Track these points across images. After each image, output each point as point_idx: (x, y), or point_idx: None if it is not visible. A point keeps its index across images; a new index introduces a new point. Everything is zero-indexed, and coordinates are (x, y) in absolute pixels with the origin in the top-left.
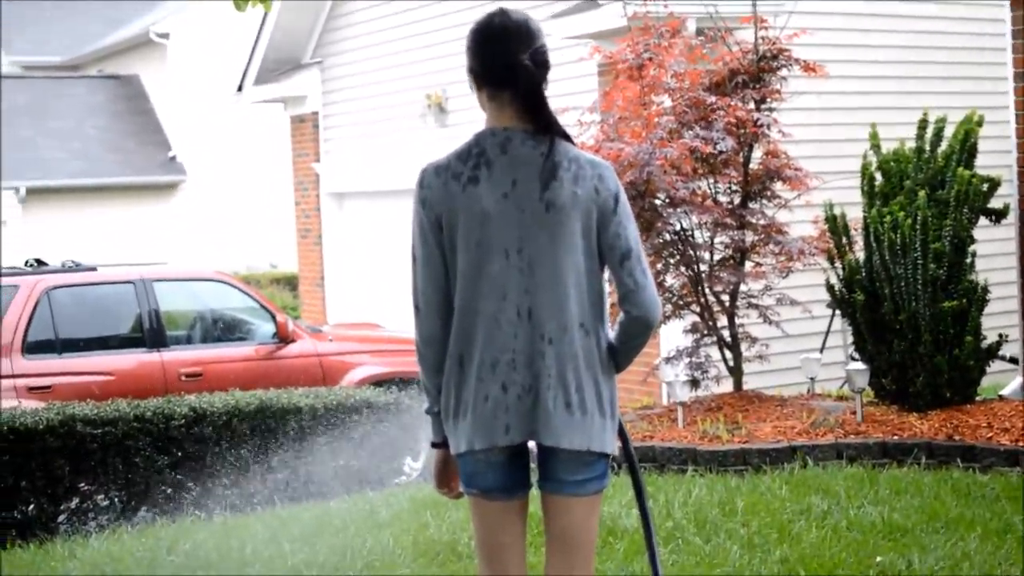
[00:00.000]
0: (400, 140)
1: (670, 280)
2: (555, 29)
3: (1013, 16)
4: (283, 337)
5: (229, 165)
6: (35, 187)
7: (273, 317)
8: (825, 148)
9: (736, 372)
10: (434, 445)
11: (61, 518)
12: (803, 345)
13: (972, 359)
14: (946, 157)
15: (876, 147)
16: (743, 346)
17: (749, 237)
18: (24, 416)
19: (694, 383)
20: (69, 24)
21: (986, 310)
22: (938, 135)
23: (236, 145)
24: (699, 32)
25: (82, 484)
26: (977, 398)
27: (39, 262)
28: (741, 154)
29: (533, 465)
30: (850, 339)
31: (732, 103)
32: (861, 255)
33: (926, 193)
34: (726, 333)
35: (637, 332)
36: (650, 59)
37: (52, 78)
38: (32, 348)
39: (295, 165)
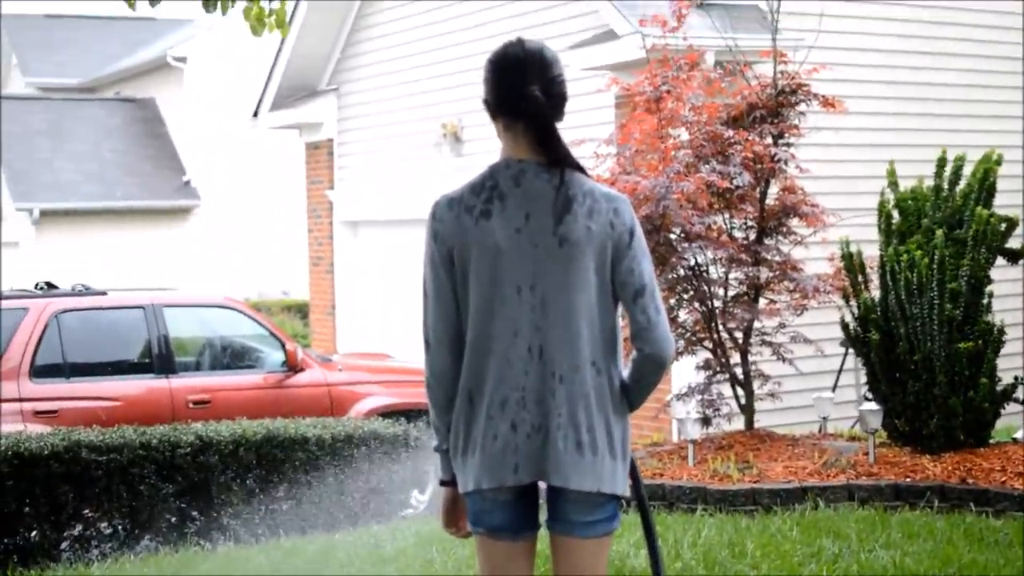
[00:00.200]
0: (415, 169)
1: (683, 316)
2: (573, 60)
3: None
4: (292, 366)
5: (243, 191)
6: (49, 209)
7: (283, 345)
8: (842, 184)
9: (748, 410)
10: (442, 483)
11: (64, 545)
12: (815, 383)
13: (987, 401)
14: (964, 196)
15: (894, 184)
16: (755, 384)
17: (764, 274)
18: (29, 441)
19: (705, 421)
20: (87, 46)
21: (1001, 352)
22: (957, 174)
23: (250, 171)
24: (718, 65)
25: (86, 511)
26: (991, 441)
27: (49, 285)
28: (758, 189)
29: (543, 501)
30: (863, 378)
31: (750, 137)
32: (876, 294)
33: (944, 232)
34: (738, 370)
35: (650, 370)
36: (668, 91)
37: (69, 100)
38: (40, 372)
39: (309, 192)
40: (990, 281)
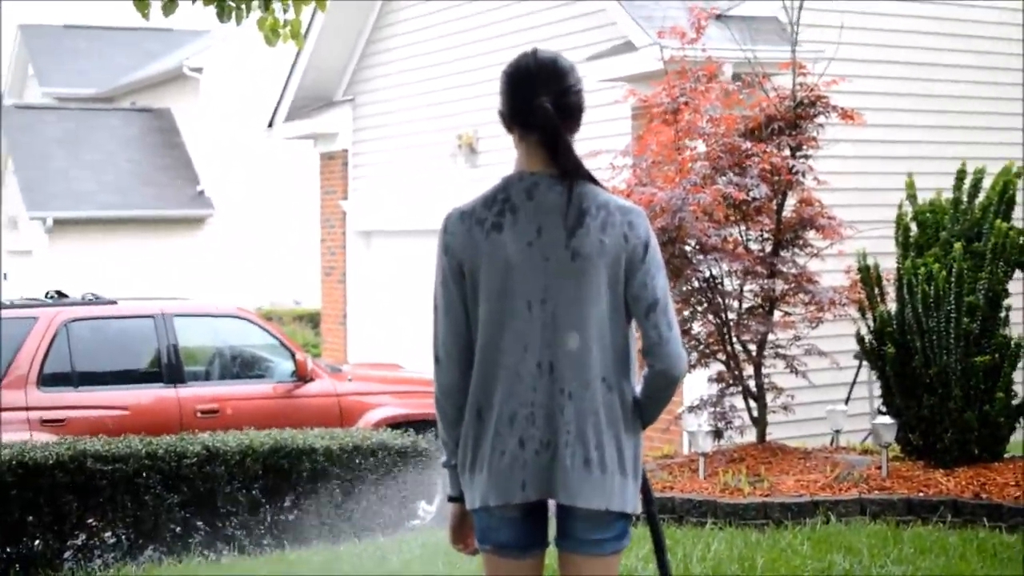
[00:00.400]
0: (429, 180)
1: (697, 328)
2: (591, 71)
3: None
4: (302, 376)
5: (257, 201)
6: (63, 218)
7: (293, 355)
8: (860, 197)
9: (760, 423)
10: (450, 499)
11: (67, 554)
12: (828, 395)
13: (1002, 416)
14: (983, 209)
15: (912, 197)
16: (768, 396)
17: (779, 286)
18: (34, 451)
19: (717, 434)
20: (104, 56)
21: (1018, 366)
22: (976, 186)
23: (265, 181)
24: (736, 77)
25: (90, 520)
26: (1006, 456)
27: (60, 294)
28: (775, 201)
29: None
30: (876, 391)
31: (767, 149)
32: (892, 306)
33: (962, 245)
34: (751, 383)
35: (661, 386)
36: (686, 103)
37: (85, 109)
38: (48, 381)
39: (323, 202)
40: (1008, 295)
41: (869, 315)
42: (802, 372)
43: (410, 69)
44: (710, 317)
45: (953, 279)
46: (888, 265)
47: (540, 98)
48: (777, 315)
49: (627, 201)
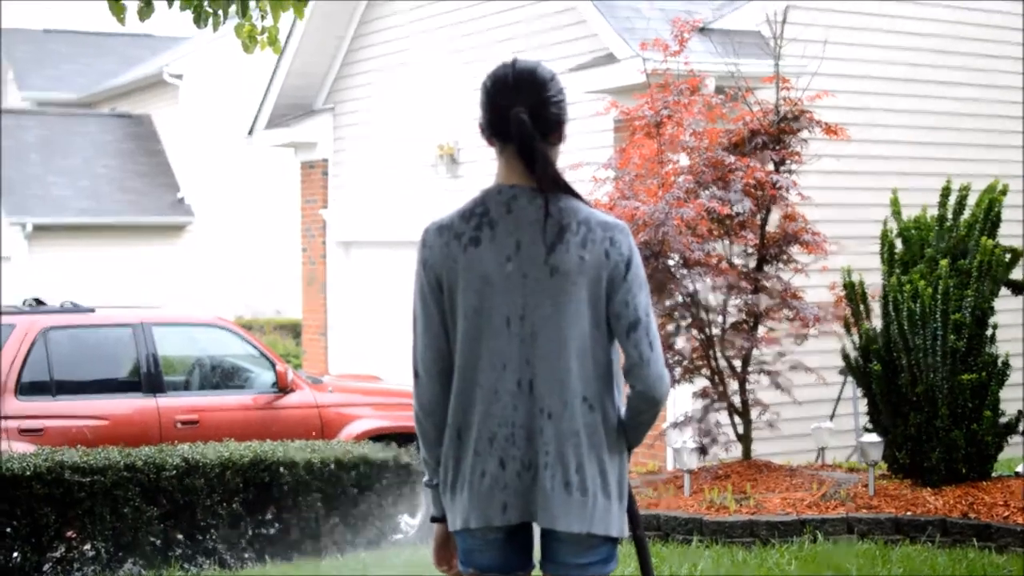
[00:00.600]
0: (410, 190)
1: (681, 343)
2: (572, 83)
3: None
4: (282, 387)
5: (238, 208)
6: (42, 224)
7: (273, 366)
8: (844, 212)
9: (745, 440)
10: (433, 520)
11: (46, 567)
12: (813, 411)
13: (990, 434)
14: (969, 226)
15: (897, 213)
16: (753, 412)
17: (764, 301)
18: (11, 461)
19: (702, 450)
20: (84, 62)
21: (1005, 383)
22: (961, 203)
23: (245, 189)
24: (719, 91)
25: (68, 532)
26: (993, 475)
27: (38, 302)
28: (758, 216)
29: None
30: (861, 407)
31: (751, 164)
32: (878, 323)
33: (948, 262)
34: (736, 399)
35: (643, 409)
36: (668, 116)
37: (65, 115)
38: (25, 389)
39: (303, 211)
40: (993, 312)
41: (854, 332)
42: (787, 388)
43: (391, 78)
44: (694, 332)
45: (939, 296)
46: (872, 280)
47: (516, 109)
48: (762, 331)
49: (610, 216)
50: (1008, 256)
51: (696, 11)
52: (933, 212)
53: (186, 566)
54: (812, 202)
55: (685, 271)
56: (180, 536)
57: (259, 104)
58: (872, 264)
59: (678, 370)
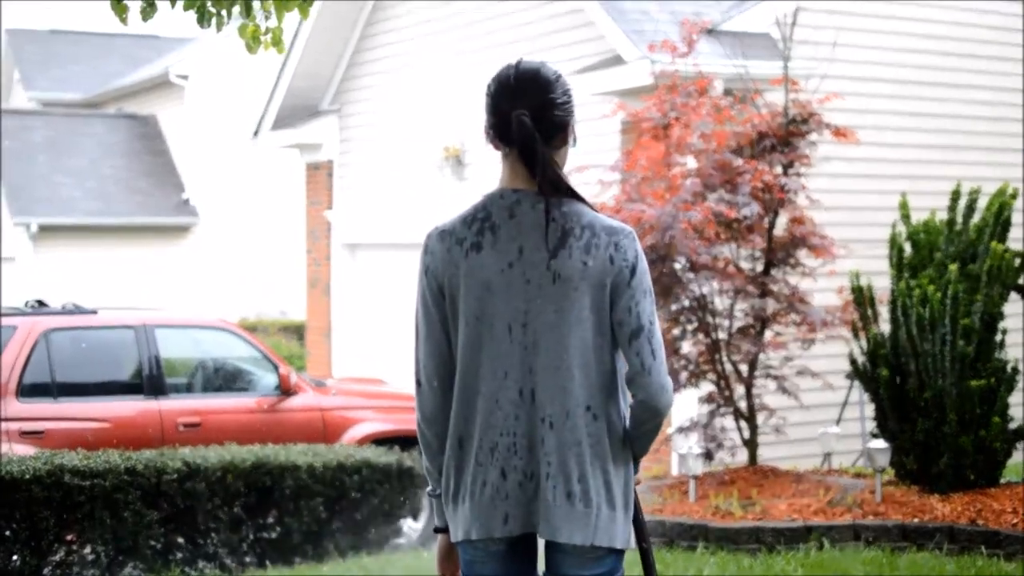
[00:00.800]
0: (415, 192)
1: (687, 347)
2: (579, 85)
3: None
4: (285, 389)
5: (242, 210)
6: (48, 224)
7: (276, 368)
8: (852, 216)
9: (751, 445)
10: (436, 530)
11: (45, 571)
12: (818, 416)
13: (998, 441)
14: (978, 230)
15: (906, 217)
16: (759, 417)
17: (771, 306)
18: (10, 464)
19: (707, 455)
20: (90, 62)
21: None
22: (971, 207)
23: (250, 190)
24: (727, 93)
25: (68, 536)
26: (1002, 481)
27: (40, 303)
28: (766, 219)
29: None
30: (868, 411)
31: (759, 167)
32: (886, 328)
33: (957, 267)
34: (742, 404)
35: (645, 418)
36: (676, 118)
37: (70, 115)
38: (27, 391)
39: (308, 213)
40: (1003, 317)
41: (862, 336)
42: (793, 393)
43: (397, 81)
44: (700, 336)
45: (948, 301)
46: (880, 285)
47: (517, 111)
48: (768, 335)
49: (615, 221)
50: (1018, 260)
51: (705, 12)
52: (942, 216)
53: (187, 570)
54: (820, 205)
55: (692, 275)
56: (181, 540)
57: (265, 105)
58: (880, 268)
59: (684, 374)
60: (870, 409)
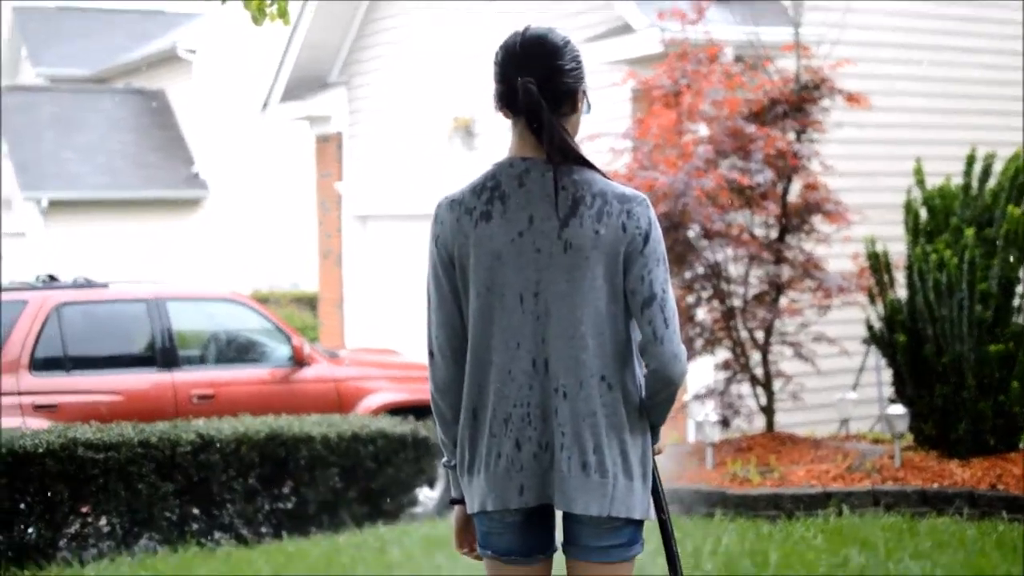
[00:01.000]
0: (425, 163)
1: (702, 315)
2: (589, 54)
3: None
4: (299, 360)
5: (252, 182)
6: (58, 199)
7: (289, 340)
8: (867, 181)
9: (768, 411)
10: (452, 502)
11: (61, 543)
12: (835, 381)
13: (1018, 405)
14: (994, 194)
15: (921, 182)
16: (775, 384)
17: (786, 272)
18: (24, 439)
19: (724, 423)
20: (98, 37)
21: None
22: (986, 171)
23: (260, 162)
24: (738, 59)
25: (83, 509)
26: (1021, 446)
27: (51, 278)
28: (779, 186)
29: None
30: (884, 377)
31: (772, 133)
32: (902, 293)
33: (974, 231)
34: (758, 371)
35: (658, 388)
36: (687, 86)
37: (79, 91)
38: (39, 365)
39: (319, 184)
40: (1020, 281)
41: (878, 302)
42: (809, 358)
43: (406, 51)
44: (715, 304)
45: (965, 266)
46: (896, 250)
47: (524, 78)
48: (784, 302)
49: (628, 188)
50: None
51: None
52: (957, 181)
53: (202, 541)
54: (834, 171)
55: (706, 242)
56: (196, 511)
57: (273, 78)
58: (895, 234)
59: (699, 342)
60: (886, 374)
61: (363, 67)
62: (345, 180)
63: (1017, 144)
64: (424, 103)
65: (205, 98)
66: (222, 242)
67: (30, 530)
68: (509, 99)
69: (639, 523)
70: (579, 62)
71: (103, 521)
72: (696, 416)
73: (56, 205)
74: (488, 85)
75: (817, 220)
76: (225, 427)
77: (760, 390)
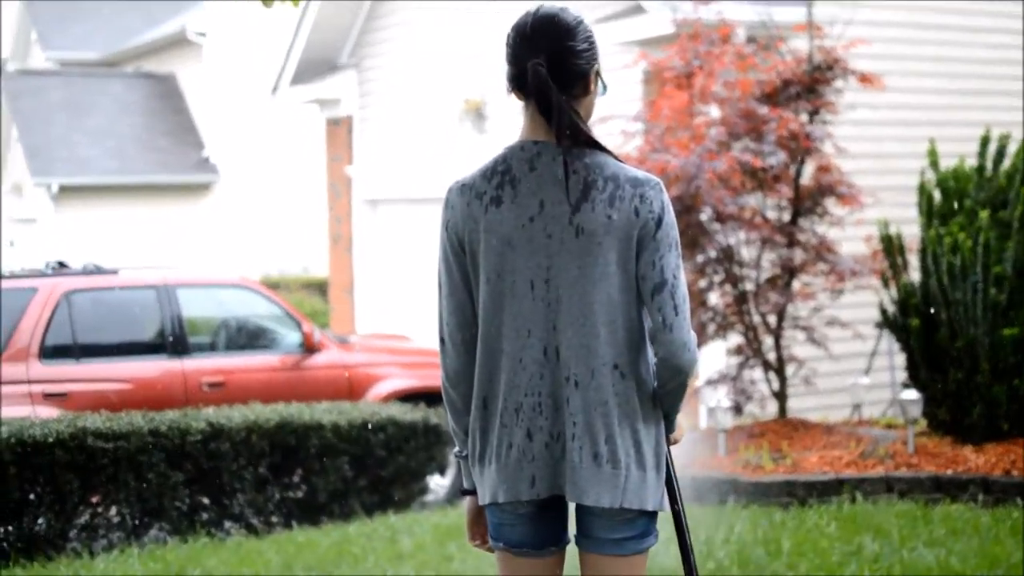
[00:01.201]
0: (436, 146)
1: (714, 299)
2: (600, 35)
3: None
4: (309, 347)
5: (263, 166)
6: (68, 184)
7: (299, 326)
8: (880, 163)
9: (781, 397)
10: (464, 492)
11: (71, 533)
12: (847, 365)
13: None
14: (1009, 176)
15: (934, 164)
16: (788, 369)
17: (798, 256)
18: (33, 428)
19: (737, 409)
20: (107, 21)
21: None
22: (1001, 153)
23: (270, 146)
24: (750, 40)
25: (93, 499)
26: None
27: (61, 264)
28: (792, 168)
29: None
30: (897, 361)
31: (784, 115)
32: (915, 276)
33: (988, 214)
34: (771, 355)
35: (667, 376)
36: (699, 67)
37: (89, 75)
38: (49, 353)
39: (329, 168)
40: None
41: (892, 286)
42: (822, 343)
43: (416, 33)
44: (727, 288)
45: (979, 249)
46: (909, 233)
47: (533, 59)
48: (796, 285)
49: (641, 172)
50: None
51: None
52: (971, 162)
53: (212, 531)
54: (847, 153)
55: (718, 225)
56: (206, 501)
57: (283, 61)
58: (909, 216)
59: (712, 326)
60: (899, 358)
61: (373, 50)
62: (355, 164)
63: None
64: (435, 85)
65: (215, 82)
66: (232, 227)
67: (40, 521)
68: (520, 81)
69: (653, 514)
70: (592, 42)
71: (113, 511)
72: (708, 402)
73: (66, 190)
74: (499, 67)
75: (830, 203)
76: (235, 415)
77: (772, 375)
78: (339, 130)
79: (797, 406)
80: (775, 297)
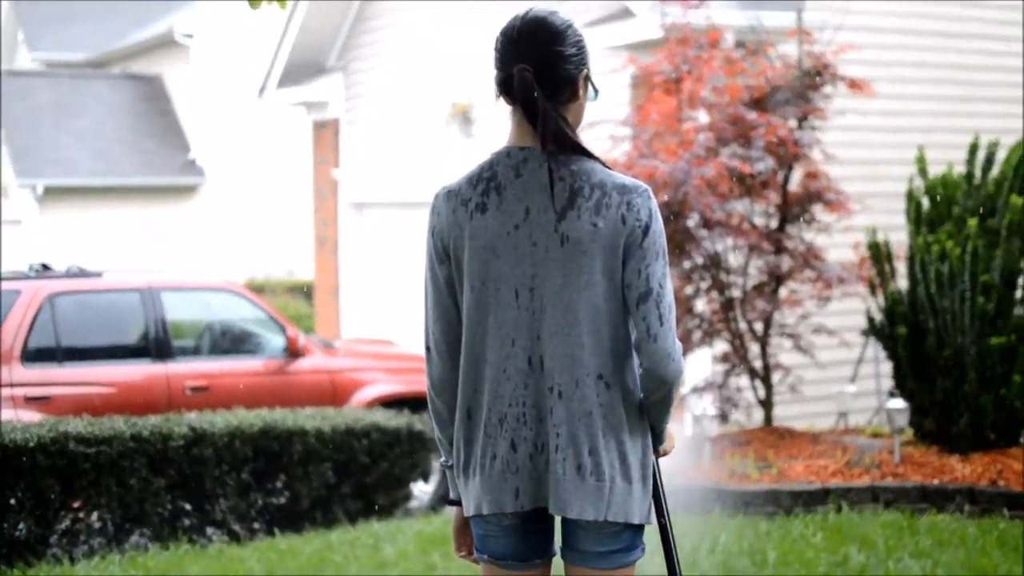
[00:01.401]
0: (423, 150)
1: (701, 306)
2: (588, 39)
3: None
4: (294, 351)
5: (249, 169)
6: (53, 186)
7: (284, 330)
8: (868, 170)
9: (767, 405)
10: (450, 502)
11: (52, 539)
12: (833, 373)
13: (1019, 400)
14: (997, 183)
15: (923, 171)
16: (774, 376)
17: (786, 262)
18: (14, 432)
19: (722, 417)
20: (94, 22)
21: None
22: (989, 160)
23: (257, 149)
24: (739, 45)
25: (74, 505)
26: (1022, 441)
27: (45, 267)
28: (780, 174)
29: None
30: (883, 369)
31: (773, 120)
32: (903, 284)
33: (976, 221)
34: (757, 363)
35: (652, 387)
36: (688, 72)
37: (75, 76)
38: (31, 356)
39: (315, 171)
40: (1023, 273)
41: (879, 293)
42: (808, 351)
43: (403, 35)
44: (714, 294)
45: (967, 257)
46: (897, 240)
47: (519, 64)
48: (783, 292)
49: (629, 179)
50: None
51: None
52: (960, 169)
53: (194, 537)
54: (835, 160)
55: (705, 232)
56: (188, 507)
57: (270, 63)
58: (897, 223)
59: (698, 334)
60: (885, 367)
61: (361, 52)
62: (342, 167)
63: (1020, 132)
64: (422, 89)
65: (202, 83)
66: (218, 229)
67: (20, 526)
68: (507, 86)
69: (639, 527)
70: (582, 47)
71: (94, 517)
72: (694, 410)
73: (52, 192)
74: (487, 70)
75: (818, 209)
76: (218, 420)
77: (758, 383)
78: (326, 133)
79: (783, 414)
80: (762, 304)
